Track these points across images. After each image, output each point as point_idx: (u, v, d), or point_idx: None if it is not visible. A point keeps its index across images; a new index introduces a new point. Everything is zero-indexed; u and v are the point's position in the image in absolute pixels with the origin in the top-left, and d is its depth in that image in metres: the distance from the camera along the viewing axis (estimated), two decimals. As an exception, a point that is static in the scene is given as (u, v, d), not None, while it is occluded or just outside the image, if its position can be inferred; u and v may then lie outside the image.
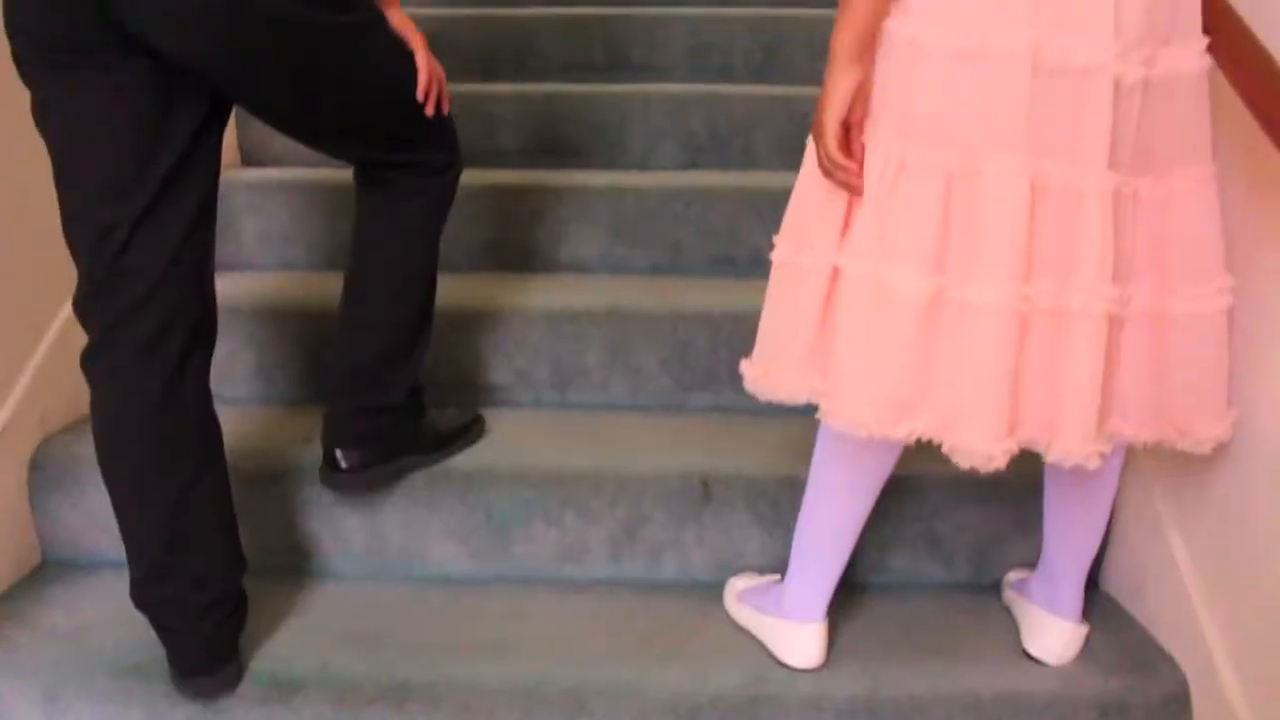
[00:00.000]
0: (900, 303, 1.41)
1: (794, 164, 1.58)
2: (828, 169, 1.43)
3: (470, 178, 1.93)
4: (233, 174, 2.55)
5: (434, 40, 2.11)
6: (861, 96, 1.41)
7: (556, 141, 2.83)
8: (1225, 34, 1.41)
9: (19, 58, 1.44)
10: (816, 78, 2.87)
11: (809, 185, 1.50)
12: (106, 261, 1.48)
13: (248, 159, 2.83)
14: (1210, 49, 1.42)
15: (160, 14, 1.38)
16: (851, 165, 1.42)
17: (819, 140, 1.43)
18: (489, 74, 3.16)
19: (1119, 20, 1.32)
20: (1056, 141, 1.35)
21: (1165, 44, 1.38)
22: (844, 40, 1.38)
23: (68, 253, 1.53)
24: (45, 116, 1.47)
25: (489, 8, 3.39)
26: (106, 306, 1.50)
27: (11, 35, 1.43)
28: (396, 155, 1.72)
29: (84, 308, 1.52)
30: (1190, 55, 1.41)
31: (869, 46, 1.40)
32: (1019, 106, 1.34)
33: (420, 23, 2.22)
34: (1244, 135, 1.45)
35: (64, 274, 1.61)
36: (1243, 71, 1.39)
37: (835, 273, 1.47)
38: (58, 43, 1.40)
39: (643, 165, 2.83)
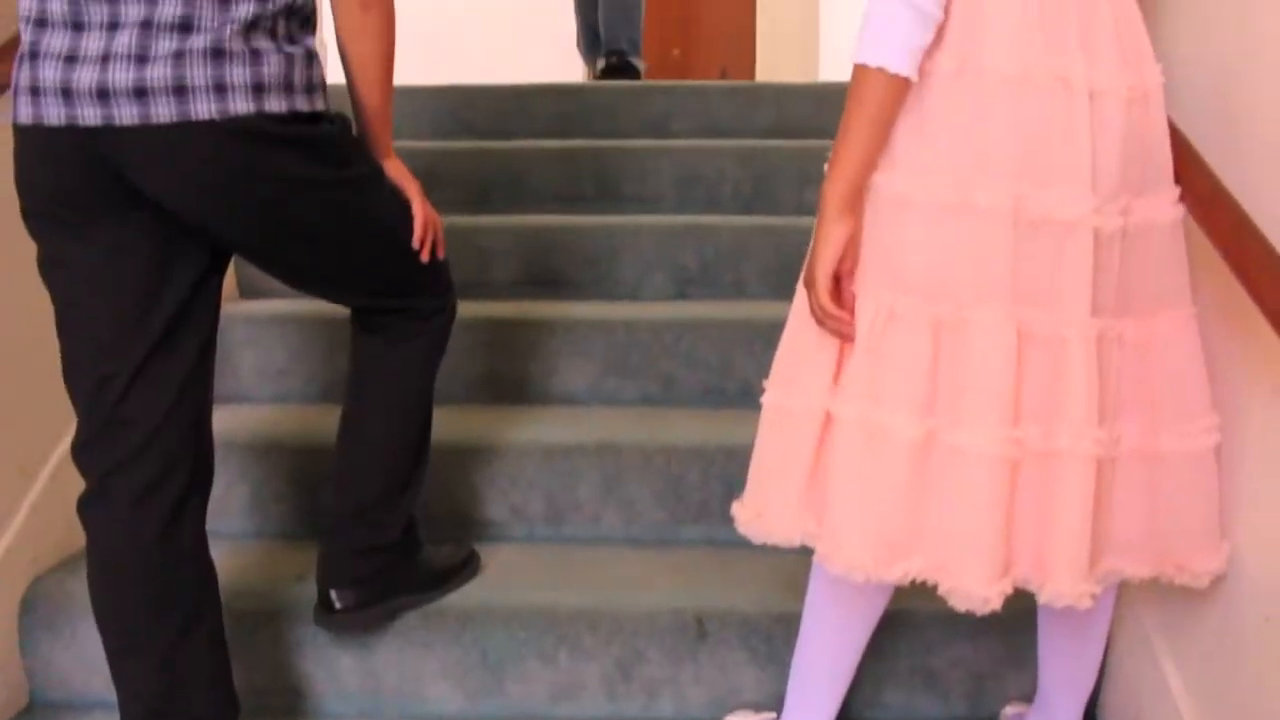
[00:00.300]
0: (893, 446, 1.43)
1: (783, 294, 1.60)
2: (820, 318, 1.46)
3: (464, 310, 1.96)
4: (230, 307, 2.55)
5: (427, 172, 2.14)
6: (852, 246, 1.44)
7: (548, 273, 2.85)
8: (1195, 185, 1.46)
9: (26, 212, 1.48)
10: (804, 208, 2.89)
11: (800, 330, 1.53)
12: (105, 410, 1.50)
13: (245, 291, 2.85)
14: (1182, 198, 1.47)
15: (166, 173, 1.42)
16: (844, 315, 1.45)
17: (811, 290, 1.46)
18: (482, 205, 3.19)
19: (1096, 174, 1.37)
20: (1040, 291, 1.39)
21: (1139, 195, 1.43)
22: (835, 193, 1.42)
23: (62, 392, 1.54)
24: (50, 270, 1.50)
25: (481, 140, 3.45)
26: (104, 454, 1.52)
27: (21, 191, 1.47)
28: (393, 301, 1.75)
29: (82, 455, 1.54)
30: (1164, 205, 1.46)
31: (859, 199, 1.43)
32: (1004, 259, 1.38)
33: (413, 155, 2.26)
34: (1221, 278, 1.48)
35: (59, 413, 1.63)
36: (1213, 221, 1.44)
37: (827, 417, 1.49)
38: (64, 200, 1.45)
39: (634, 296, 2.85)
